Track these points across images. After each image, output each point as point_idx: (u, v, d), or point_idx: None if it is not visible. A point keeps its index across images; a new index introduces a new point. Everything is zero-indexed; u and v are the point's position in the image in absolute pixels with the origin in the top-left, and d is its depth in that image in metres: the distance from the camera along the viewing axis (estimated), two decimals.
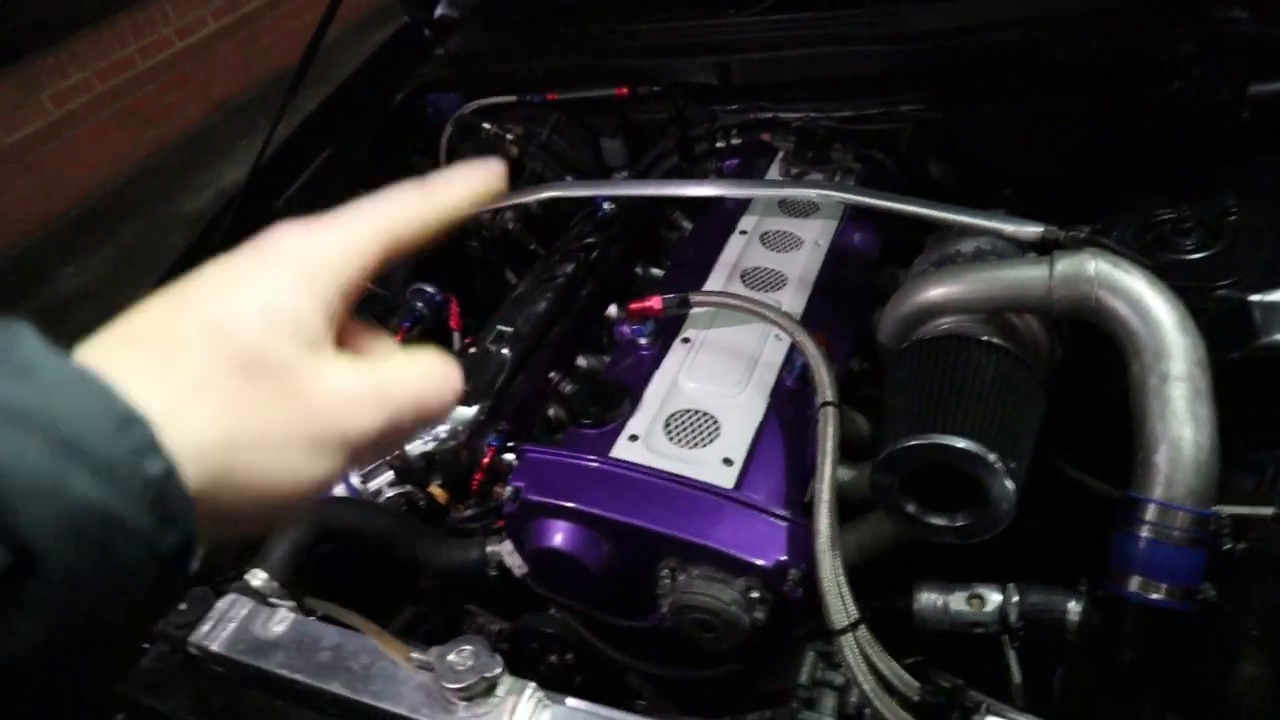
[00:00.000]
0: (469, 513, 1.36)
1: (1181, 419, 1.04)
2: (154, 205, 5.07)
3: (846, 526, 1.22)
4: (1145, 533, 1.03)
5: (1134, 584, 1.03)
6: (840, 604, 1.00)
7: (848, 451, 1.27)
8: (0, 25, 4.57)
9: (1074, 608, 1.10)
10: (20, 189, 4.88)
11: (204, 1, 6.00)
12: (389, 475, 1.39)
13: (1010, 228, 1.29)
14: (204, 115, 5.98)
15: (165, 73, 5.75)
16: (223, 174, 5.20)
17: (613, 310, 1.60)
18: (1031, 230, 1.27)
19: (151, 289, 0.47)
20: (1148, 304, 1.09)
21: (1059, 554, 1.23)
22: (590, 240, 1.72)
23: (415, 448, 1.41)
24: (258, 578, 1.16)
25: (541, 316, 1.56)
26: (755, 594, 1.06)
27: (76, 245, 4.82)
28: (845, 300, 1.46)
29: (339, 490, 1.40)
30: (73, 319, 4.28)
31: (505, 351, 1.50)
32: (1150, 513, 1.03)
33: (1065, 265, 1.14)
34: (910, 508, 1.11)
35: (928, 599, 1.13)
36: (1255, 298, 1.16)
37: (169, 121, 5.73)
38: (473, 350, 1.53)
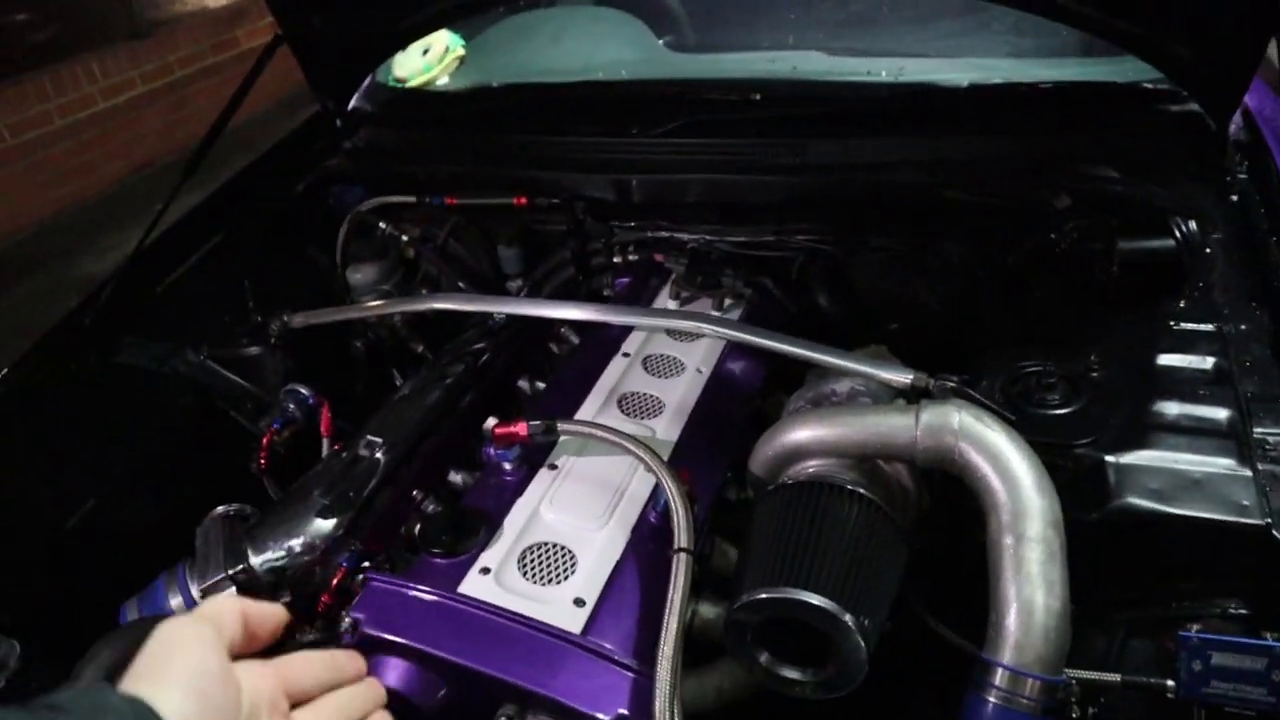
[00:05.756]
0: (312, 638, 1.28)
1: (1034, 583, 1.03)
2: (54, 264, 4.91)
3: (706, 669, 1.19)
4: (994, 698, 1.02)
5: None
6: None
7: (718, 586, 1.24)
8: None
9: None
10: None
11: (134, 63, 5.94)
12: (231, 591, 1.31)
13: (883, 373, 1.30)
14: (121, 176, 5.86)
15: (85, 131, 5.65)
16: (131, 237, 5.03)
17: (489, 424, 1.56)
18: (902, 377, 1.28)
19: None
20: (1007, 461, 1.09)
21: (920, 708, 1.21)
22: (477, 347, 1.69)
23: (264, 561, 1.33)
24: None
25: (416, 427, 1.51)
26: None
27: None
28: (722, 430, 1.45)
29: (178, 606, 1.31)
30: None
31: (374, 462, 1.44)
32: (1000, 678, 1.02)
33: (930, 416, 1.14)
34: (763, 658, 1.08)
35: None
36: (1111, 458, 1.18)
37: (83, 180, 5.60)
38: (343, 456, 1.48)
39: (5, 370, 1.60)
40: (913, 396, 1.27)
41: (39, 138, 5.36)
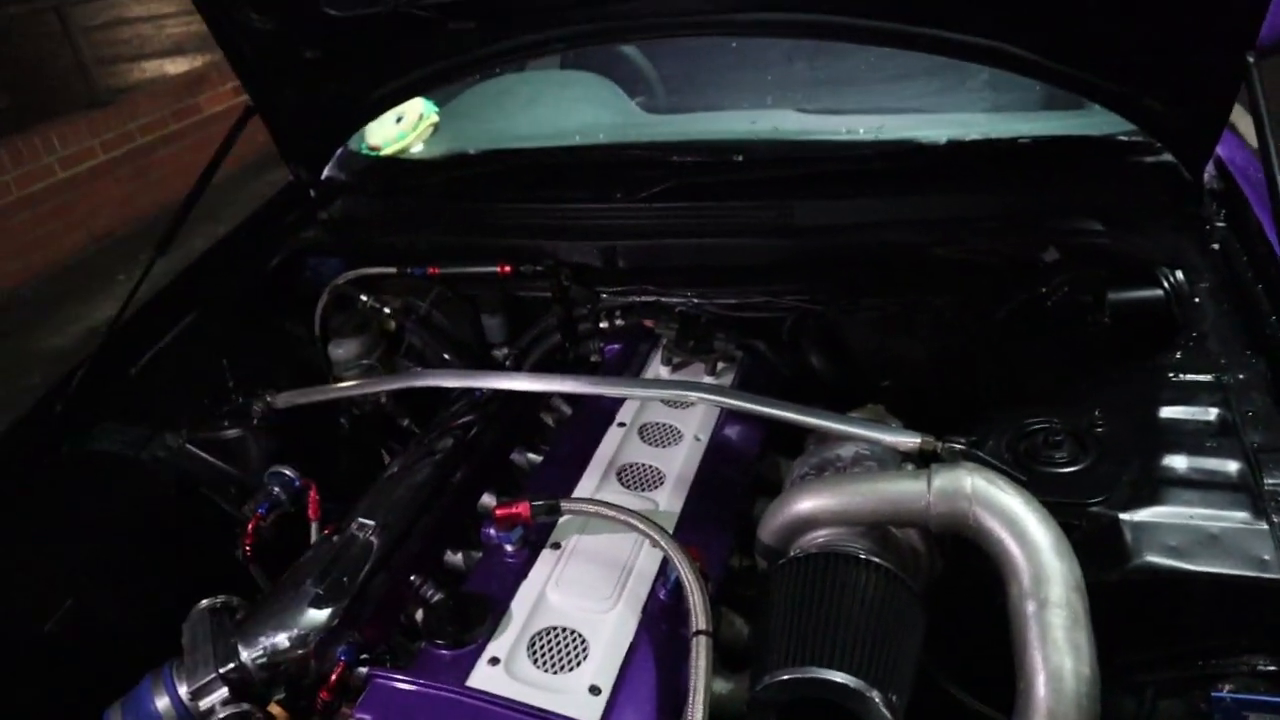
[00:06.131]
0: None
1: (1061, 649, 1.01)
2: (14, 339, 4.80)
3: None
4: None
5: None
6: None
7: (726, 659, 1.21)
8: None
9: None
10: None
11: (93, 133, 5.88)
12: (223, 692, 1.25)
13: (889, 437, 1.28)
14: (81, 247, 5.77)
15: (44, 201, 5.56)
16: (94, 310, 4.97)
17: (486, 500, 1.52)
18: (909, 441, 1.26)
19: None
20: (1024, 526, 1.08)
21: None
22: (466, 420, 1.66)
23: (257, 657, 1.28)
24: None
25: (408, 506, 1.46)
26: None
27: None
28: (725, 497, 1.42)
29: (165, 709, 1.25)
30: None
31: (367, 546, 1.39)
32: None
33: (942, 481, 1.13)
34: None
35: None
36: (1125, 516, 1.16)
37: (41, 252, 5.51)
38: (334, 540, 1.42)
39: None
40: (921, 460, 1.26)
41: None
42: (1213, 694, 1.05)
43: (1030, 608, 1.04)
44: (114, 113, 6.07)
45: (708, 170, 1.88)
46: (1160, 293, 1.52)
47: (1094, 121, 1.84)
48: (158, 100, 6.41)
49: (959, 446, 1.24)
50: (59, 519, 1.55)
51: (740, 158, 1.85)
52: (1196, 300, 1.49)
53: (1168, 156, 1.71)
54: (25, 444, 1.60)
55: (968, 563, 1.19)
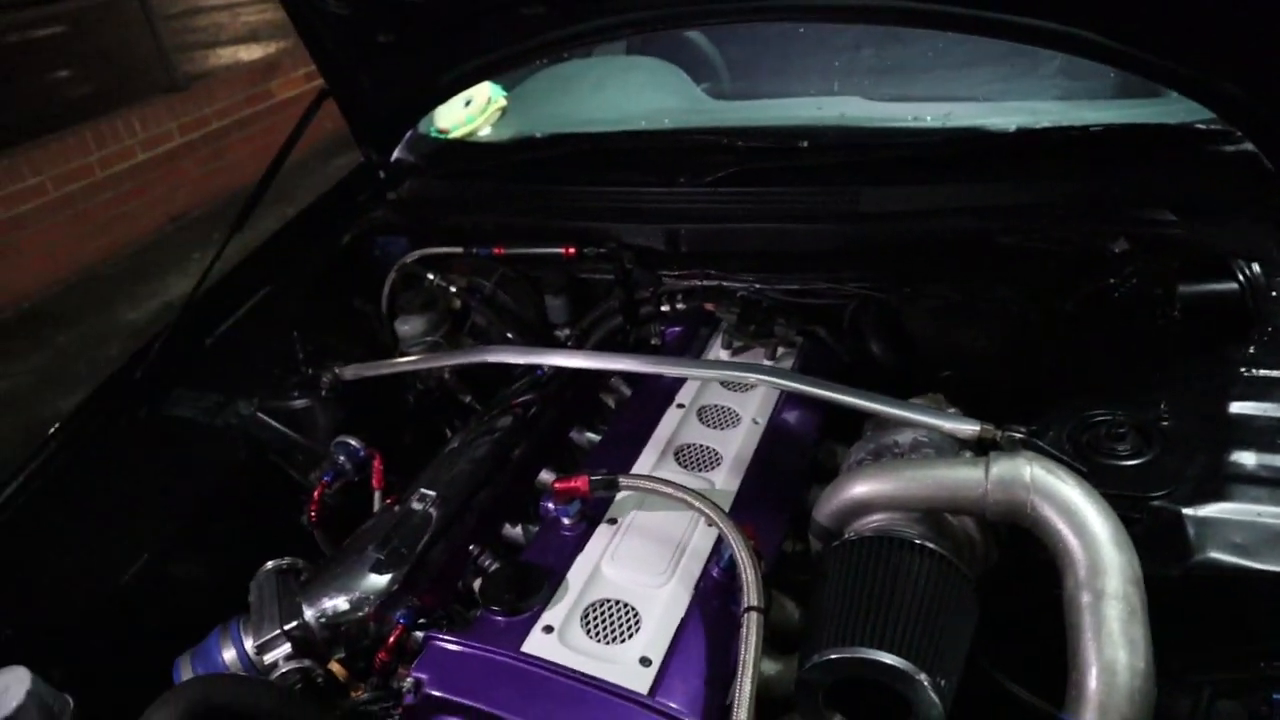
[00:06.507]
0: (368, 695, 1.26)
1: (1116, 641, 1.00)
2: (95, 313, 4.98)
3: None
4: None
5: None
6: None
7: (777, 641, 1.21)
8: None
9: None
10: None
11: (172, 115, 6.06)
12: (286, 647, 1.30)
13: (948, 424, 1.27)
14: (159, 227, 5.96)
15: (125, 182, 5.75)
16: (169, 286, 5.14)
17: (544, 476, 1.55)
18: (969, 428, 1.25)
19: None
20: (1083, 517, 1.06)
21: None
22: (527, 399, 1.68)
23: (319, 617, 1.32)
24: None
25: (468, 479, 1.50)
26: None
27: (4, 350, 4.67)
28: (781, 481, 1.43)
29: (231, 661, 1.30)
30: None
31: (427, 516, 1.43)
32: None
33: (1001, 469, 1.12)
34: (835, 719, 1.05)
35: None
36: (1189, 511, 1.14)
37: (121, 230, 5.70)
38: (395, 509, 1.46)
39: (58, 425, 1.61)
40: (979, 448, 1.25)
41: (81, 189, 5.46)
42: (1274, 696, 1.02)
43: (1086, 599, 1.03)
44: (191, 97, 6.26)
45: (773, 156, 1.87)
46: (1235, 286, 1.48)
47: (1170, 109, 1.79)
48: (232, 86, 6.59)
49: (1019, 435, 1.23)
50: (136, 479, 1.62)
51: (806, 144, 1.84)
52: (1274, 294, 1.45)
53: (1248, 145, 1.66)
54: (107, 408, 1.67)
55: (1024, 552, 1.18)
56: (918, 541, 1.12)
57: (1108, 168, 1.74)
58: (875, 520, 1.21)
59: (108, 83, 6.13)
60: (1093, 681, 0.99)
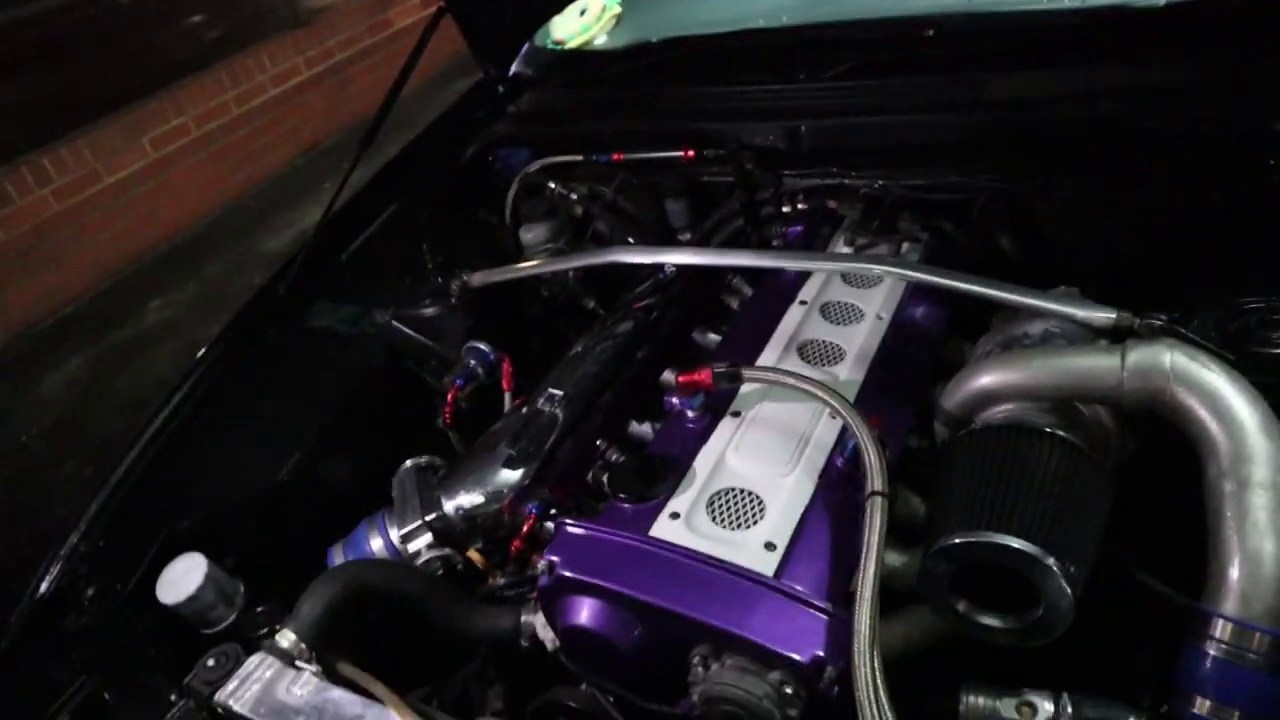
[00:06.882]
0: (505, 580, 1.33)
1: (1262, 531, 0.96)
2: (237, 244, 5.25)
3: (893, 617, 1.16)
4: (1216, 651, 0.96)
5: (1202, 707, 0.95)
6: (875, 713, 0.93)
7: (901, 535, 1.21)
8: (114, 73, 4.83)
9: None
10: (115, 227, 5.11)
11: (298, 50, 6.24)
12: (428, 537, 1.37)
13: (1082, 313, 1.23)
14: (290, 158, 6.19)
15: (258, 117, 5.98)
16: (303, 215, 5.36)
17: (667, 376, 1.57)
18: (1104, 316, 1.20)
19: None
20: (1228, 403, 1.02)
21: (1122, 662, 1.15)
22: (649, 302, 1.70)
23: (457, 509, 1.39)
24: (287, 638, 1.14)
25: (594, 380, 1.53)
26: (789, 689, 1.01)
27: (164, 280, 5.00)
28: (905, 376, 1.41)
29: (379, 549, 1.38)
30: (156, 350, 4.42)
31: (555, 415, 1.48)
32: (1223, 630, 0.96)
33: (1138, 356, 1.08)
34: (960, 606, 1.05)
35: (974, 703, 1.06)
36: None
37: (257, 164, 5.95)
38: (524, 409, 1.52)
39: (213, 341, 1.72)
40: (1116, 337, 1.20)
41: (219, 127, 5.71)
42: None
43: (1229, 487, 0.99)
44: (315, 31, 6.41)
45: (895, 46, 1.80)
46: None
47: None
48: (353, 18, 6.71)
49: (1159, 323, 1.17)
50: (285, 386, 1.72)
51: (931, 32, 1.76)
52: None
53: None
54: (255, 322, 1.78)
55: (1164, 442, 1.14)
56: (1048, 430, 1.10)
57: (1269, 40, 1.60)
58: (1004, 409, 1.18)
59: (237, 23, 6.33)
60: (1235, 571, 0.97)
